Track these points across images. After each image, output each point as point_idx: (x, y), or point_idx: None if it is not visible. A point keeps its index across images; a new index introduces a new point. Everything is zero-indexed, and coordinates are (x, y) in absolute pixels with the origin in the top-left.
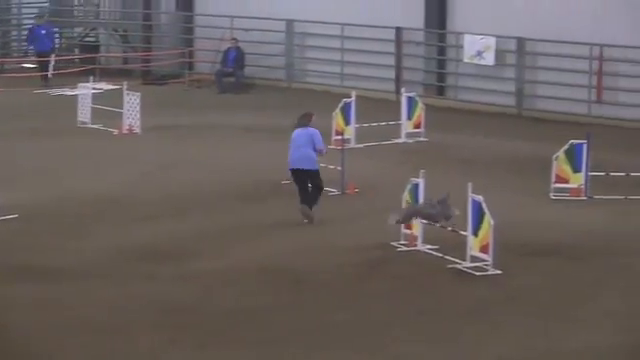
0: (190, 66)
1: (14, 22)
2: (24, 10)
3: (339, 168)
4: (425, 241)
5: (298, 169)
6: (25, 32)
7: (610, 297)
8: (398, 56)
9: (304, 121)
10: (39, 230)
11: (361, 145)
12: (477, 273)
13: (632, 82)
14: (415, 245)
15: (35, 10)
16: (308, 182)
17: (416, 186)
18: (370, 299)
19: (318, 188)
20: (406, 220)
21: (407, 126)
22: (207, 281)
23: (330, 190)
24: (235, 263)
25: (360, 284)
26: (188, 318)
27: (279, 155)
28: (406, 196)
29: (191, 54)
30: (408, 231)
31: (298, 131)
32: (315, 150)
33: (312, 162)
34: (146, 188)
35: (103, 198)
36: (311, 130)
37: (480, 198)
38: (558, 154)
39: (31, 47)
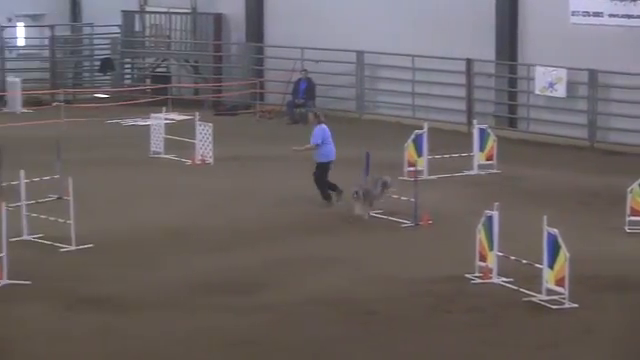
0: (261, 97)
1: (86, 53)
2: (96, 41)
3: (412, 199)
4: (500, 273)
5: (333, 161)
6: (97, 63)
7: None
8: (469, 88)
9: (323, 119)
10: (111, 260)
11: (434, 177)
12: (553, 306)
13: None
14: (490, 278)
15: (107, 41)
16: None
17: (490, 218)
18: (443, 332)
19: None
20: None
21: (479, 158)
22: (276, 313)
23: (404, 221)
24: (305, 294)
25: (433, 316)
26: (257, 350)
27: (347, 185)
28: (480, 229)
29: (262, 85)
30: (483, 264)
31: (325, 128)
32: None
33: None
34: (217, 219)
35: (175, 228)
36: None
37: (556, 231)
38: (632, 187)
39: None
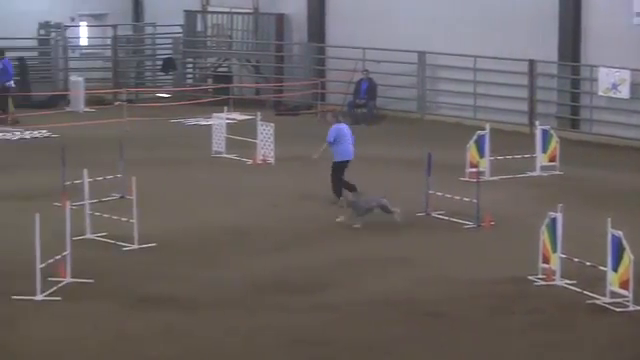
0: (322, 97)
1: (148, 52)
2: (158, 41)
3: (474, 201)
4: (563, 276)
5: (349, 161)
6: (159, 63)
7: None
8: (531, 89)
9: (340, 118)
10: (174, 259)
11: (495, 178)
12: (617, 309)
13: None
14: (553, 280)
15: (169, 40)
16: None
17: (554, 220)
18: (505, 333)
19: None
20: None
21: (542, 159)
22: (339, 313)
23: (466, 223)
24: (366, 294)
25: (495, 318)
26: (321, 350)
27: (409, 186)
28: (543, 230)
29: (323, 85)
30: (546, 265)
31: (342, 127)
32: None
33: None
34: (279, 218)
35: (236, 228)
36: (346, 125)
37: (620, 233)
38: None
39: None
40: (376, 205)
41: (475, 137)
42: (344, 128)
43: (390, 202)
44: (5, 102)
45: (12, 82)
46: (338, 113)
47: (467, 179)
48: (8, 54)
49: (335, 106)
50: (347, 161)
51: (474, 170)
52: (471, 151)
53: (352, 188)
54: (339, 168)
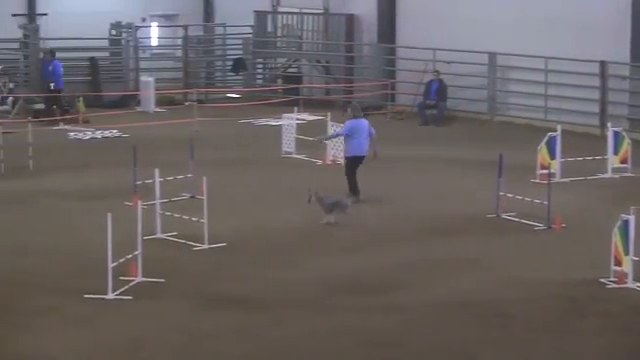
0: (392, 98)
1: (218, 53)
2: (228, 41)
3: (545, 202)
4: (636, 278)
5: (362, 156)
6: (229, 63)
7: None
8: (603, 90)
9: (359, 112)
10: (244, 259)
11: (566, 179)
12: None
13: None
14: (625, 282)
15: (239, 41)
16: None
17: (626, 222)
18: (577, 335)
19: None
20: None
21: (613, 161)
22: (410, 314)
23: (536, 224)
24: (437, 296)
25: (568, 320)
26: (394, 351)
27: (479, 188)
28: (615, 232)
29: (393, 86)
30: (618, 268)
31: (359, 122)
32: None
33: (367, 151)
34: (348, 219)
35: (306, 228)
36: (366, 121)
37: None
38: None
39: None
40: (335, 202)
41: (546, 139)
42: (360, 122)
43: (350, 204)
44: (59, 102)
45: (52, 85)
46: (357, 107)
47: (538, 181)
48: (80, 54)
49: (405, 107)
50: (360, 157)
51: (545, 172)
52: (542, 153)
53: (355, 192)
54: (351, 164)
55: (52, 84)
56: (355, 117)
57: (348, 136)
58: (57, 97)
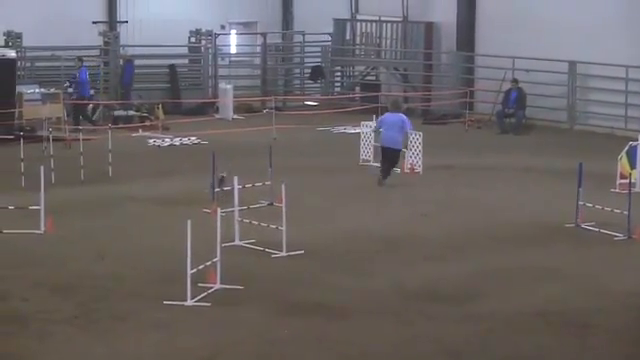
0: (470, 106)
1: (297, 60)
2: (307, 49)
3: (625, 212)
4: None
5: (388, 147)
6: (308, 71)
7: None
8: None
9: (395, 107)
10: (322, 267)
11: None
12: None
13: None
14: None
15: (318, 49)
16: (393, 159)
17: None
18: None
19: (394, 163)
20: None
21: None
22: (489, 324)
23: (616, 234)
24: (517, 305)
25: None
26: None
27: (558, 197)
28: None
29: (471, 94)
30: None
31: (389, 115)
32: (402, 132)
33: (398, 143)
34: (425, 228)
35: (384, 237)
36: (401, 116)
37: None
38: None
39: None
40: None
41: (627, 148)
42: (390, 117)
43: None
44: (83, 112)
45: (72, 91)
46: (394, 102)
47: (618, 190)
48: (159, 61)
49: (483, 115)
50: (385, 147)
51: (625, 181)
52: (622, 162)
53: (384, 174)
54: (381, 152)
55: (71, 90)
56: (389, 111)
57: (378, 128)
58: (81, 106)
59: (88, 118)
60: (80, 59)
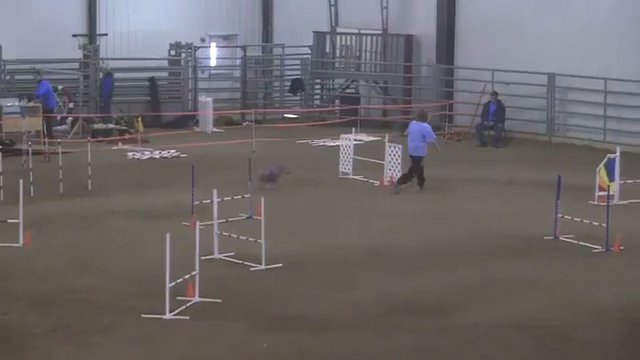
0: (450, 119)
1: (276, 73)
2: (287, 62)
3: (603, 225)
4: None
5: (410, 155)
6: (288, 83)
7: None
8: None
9: (420, 118)
10: (301, 280)
11: (625, 202)
12: None
13: None
14: None
15: (297, 61)
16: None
17: None
18: None
19: (414, 170)
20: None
21: None
22: (468, 336)
23: (595, 247)
24: (496, 317)
25: (628, 344)
26: None
27: (537, 210)
28: None
29: (451, 107)
30: None
31: (414, 124)
32: (425, 142)
33: (419, 151)
34: (405, 240)
35: (363, 249)
36: (424, 125)
37: None
38: None
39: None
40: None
41: (605, 160)
42: (413, 125)
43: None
44: (48, 125)
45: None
46: (419, 112)
47: (596, 203)
48: (139, 74)
49: (463, 128)
50: (411, 156)
51: (603, 194)
52: (601, 174)
53: (406, 180)
54: (410, 160)
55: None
56: (415, 120)
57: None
58: (48, 118)
59: (49, 132)
60: (39, 72)
